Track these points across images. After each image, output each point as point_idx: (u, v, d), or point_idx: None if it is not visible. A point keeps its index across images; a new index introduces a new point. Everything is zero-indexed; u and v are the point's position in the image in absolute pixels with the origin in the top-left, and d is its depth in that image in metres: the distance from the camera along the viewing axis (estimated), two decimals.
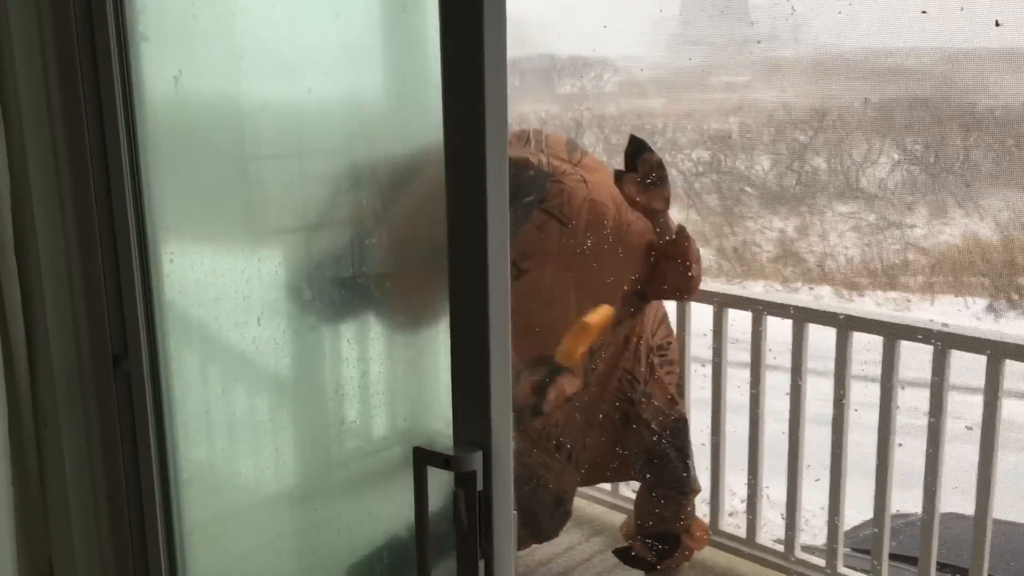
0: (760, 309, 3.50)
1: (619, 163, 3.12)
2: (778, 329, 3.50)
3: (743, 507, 3.68)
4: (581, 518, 3.91)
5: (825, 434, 3.38)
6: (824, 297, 7.05)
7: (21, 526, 1.95)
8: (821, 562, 3.46)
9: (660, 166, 3.08)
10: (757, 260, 7.63)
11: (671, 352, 3.42)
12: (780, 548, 3.55)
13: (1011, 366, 2.99)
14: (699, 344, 3.69)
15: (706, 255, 7.89)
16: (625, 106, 8.00)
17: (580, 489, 3.66)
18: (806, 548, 3.58)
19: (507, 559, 1.39)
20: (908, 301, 6.99)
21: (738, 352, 3.63)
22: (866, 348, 3.29)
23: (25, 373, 1.91)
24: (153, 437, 1.95)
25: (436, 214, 1.34)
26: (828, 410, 3.36)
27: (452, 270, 1.33)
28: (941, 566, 3.27)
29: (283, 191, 1.88)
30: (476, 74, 1.25)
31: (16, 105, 1.82)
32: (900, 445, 3.21)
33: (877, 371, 3.25)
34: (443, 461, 1.36)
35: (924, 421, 3.14)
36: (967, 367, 3.10)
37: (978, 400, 3.02)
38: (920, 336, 3.15)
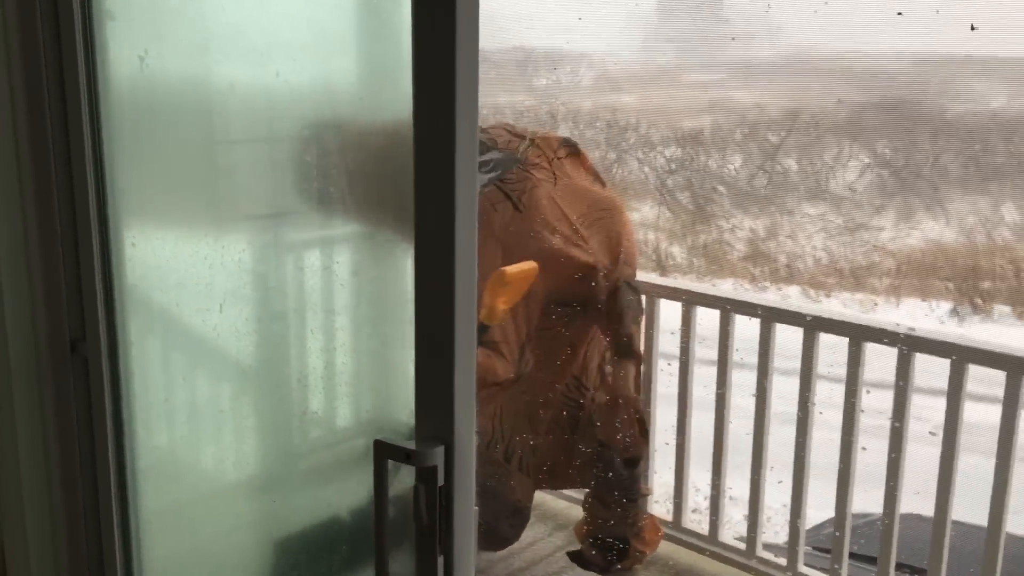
0: (728, 308, 3.50)
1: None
2: (745, 328, 3.50)
3: (707, 504, 3.69)
4: (545, 513, 3.90)
5: (789, 433, 3.40)
6: (791, 297, 7.09)
7: None
8: (783, 561, 3.48)
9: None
10: (727, 258, 7.65)
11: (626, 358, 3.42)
12: (742, 546, 3.57)
13: (974, 370, 3.02)
14: (667, 341, 3.69)
15: (677, 252, 7.94)
16: (600, 101, 7.99)
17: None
18: (768, 546, 3.61)
19: (467, 556, 1.37)
20: (875, 304, 7.04)
21: (705, 350, 3.63)
22: (832, 349, 3.31)
23: None
24: (110, 423, 1.91)
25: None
26: (793, 409, 3.37)
27: (418, 264, 1.31)
28: (900, 566, 3.29)
29: (249, 176, 1.85)
30: (448, 60, 1.23)
31: None
32: (864, 449, 3.22)
33: (842, 372, 3.26)
34: (404, 455, 1.34)
35: (887, 423, 3.15)
36: (930, 369, 3.12)
37: (941, 403, 3.04)
38: (886, 340, 3.17)
